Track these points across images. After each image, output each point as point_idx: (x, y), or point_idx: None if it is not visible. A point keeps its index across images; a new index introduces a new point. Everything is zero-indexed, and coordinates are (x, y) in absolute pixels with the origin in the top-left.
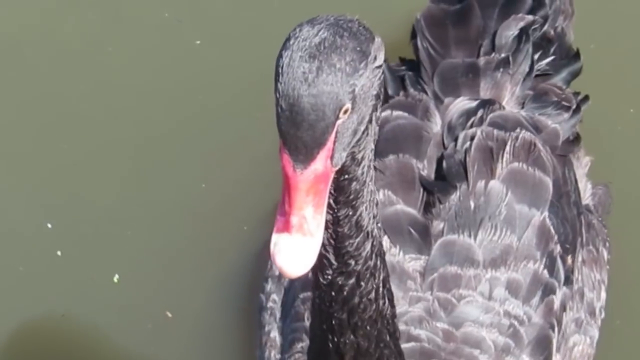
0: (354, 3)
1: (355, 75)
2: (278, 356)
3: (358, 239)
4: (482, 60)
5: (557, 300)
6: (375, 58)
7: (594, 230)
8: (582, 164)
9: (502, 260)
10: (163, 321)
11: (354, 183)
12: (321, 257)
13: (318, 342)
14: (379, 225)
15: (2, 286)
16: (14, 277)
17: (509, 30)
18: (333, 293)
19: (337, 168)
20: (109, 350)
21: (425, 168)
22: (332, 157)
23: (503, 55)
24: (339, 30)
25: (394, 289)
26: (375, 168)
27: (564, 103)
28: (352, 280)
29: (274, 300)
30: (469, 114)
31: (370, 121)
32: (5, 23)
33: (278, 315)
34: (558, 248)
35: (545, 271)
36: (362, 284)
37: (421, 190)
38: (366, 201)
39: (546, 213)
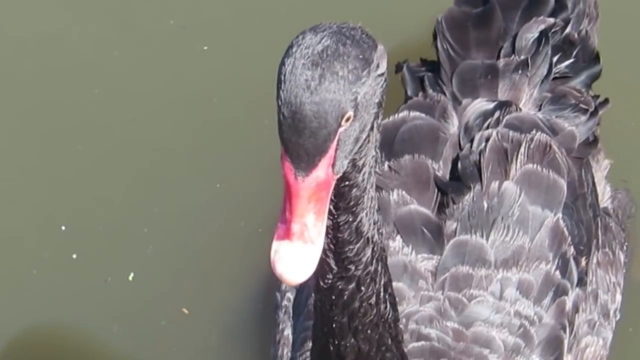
0: (375, 5)
1: (357, 83)
2: (290, 354)
3: (358, 245)
4: (501, 62)
5: (569, 301)
6: (377, 66)
7: (610, 233)
8: (601, 167)
9: (514, 261)
10: (179, 318)
11: (355, 189)
12: (322, 262)
13: (319, 344)
14: (380, 231)
15: (17, 289)
16: (28, 279)
17: (530, 33)
18: (333, 297)
19: (338, 175)
20: (123, 348)
21: (441, 169)
22: (333, 165)
23: (522, 57)
24: (342, 38)
25: (405, 288)
26: (390, 168)
27: (582, 106)
28: (352, 285)
29: (289, 298)
30: (486, 115)
31: (372, 129)
32: (18, 28)
33: (292, 313)
34: (572, 250)
35: (558, 272)
36: (363, 288)
37: (435, 190)
38: (367, 207)
39: (560, 215)
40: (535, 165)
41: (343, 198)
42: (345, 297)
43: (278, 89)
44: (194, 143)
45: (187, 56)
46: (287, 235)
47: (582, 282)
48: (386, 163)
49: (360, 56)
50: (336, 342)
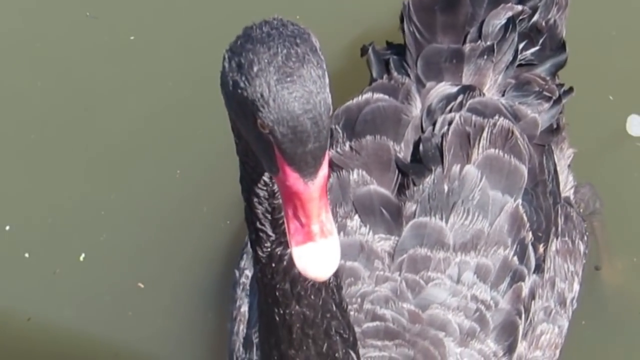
0: None
1: (325, 74)
2: (246, 330)
3: None
4: (467, 47)
5: (525, 287)
6: (319, 49)
7: (571, 222)
8: (564, 156)
9: (473, 245)
10: (135, 292)
11: None
12: (258, 231)
13: (266, 316)
14: None
15: None
16: None
17: (497, 19)
18: (273, 264)
19: None
20: (81, 330)
21: (402, 150)
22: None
23: (488, 43)
24: (290, 40)
25: (360, 267)
26: (351, 148)
27: (545, 93)
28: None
29: (247, 276)
30: (449, 99)
31: None
32: None
33: (249, 290)
34: (530, 236)
35: (515, 258)
36: None
37: (396, 172)
38: None
39: (519, 200)
40: (497, 151)
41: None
42: (285, 262)
43: (260, 112)
44: (153, 132)
45: (140, 39)
46: (308, 238)
47: (539, 269)
48: (347, 143)
49: (312, 49)
50: (281, 311)
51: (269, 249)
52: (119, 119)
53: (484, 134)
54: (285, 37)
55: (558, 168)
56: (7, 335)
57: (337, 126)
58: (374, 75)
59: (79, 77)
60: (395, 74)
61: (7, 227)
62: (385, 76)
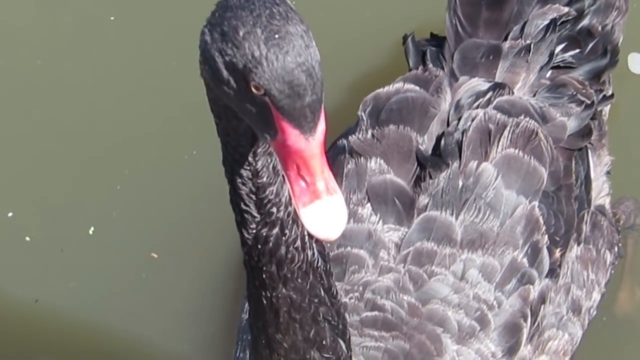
0: None
1: (308, 29)
2: None
3: (277, 185)
4: (506, 45)
5: (534, 290)
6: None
7: (599, 230)
8: (601, 163)
9: (481, 243)
10: (148, 263)
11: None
12: (243, 212)
13: (254, 300)
14: None
15: None
16: None
17: (540, 19)
18: (259, 246)
19: None
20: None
21: (425, 143)
22: None
23: (527, 42)
24: (269, 1)
25: (365, 255)
26: (373, 136)
27: (580, 97)
28: (276, 230)
29: None
30: (478, 95)
31: None
32: None
33: None
34: (545, 239)
35: (525, 260)
36: (287, 232)
37: (415, 163)
38: None
39: (536, 203)
40: (516, 151)
41: (260, 143)
42: (271, 243)
43: (253, 73)
44: (164, 105)
45: (149, 19)
46: (315, 196)
47: (553, 274)
48: (370, 131)
49: (291, 8)
50: (268, 294)
51: (254, 231)
52: (129, 95)
53: (505, 133)
54: (259, 1)
55: (593, 175)
56: (16, 316)
57: (363, 113)
58: (410, 65)
59: (84, 53)
60: (430, 65)
61: (10, 214)
62: (420, 67)
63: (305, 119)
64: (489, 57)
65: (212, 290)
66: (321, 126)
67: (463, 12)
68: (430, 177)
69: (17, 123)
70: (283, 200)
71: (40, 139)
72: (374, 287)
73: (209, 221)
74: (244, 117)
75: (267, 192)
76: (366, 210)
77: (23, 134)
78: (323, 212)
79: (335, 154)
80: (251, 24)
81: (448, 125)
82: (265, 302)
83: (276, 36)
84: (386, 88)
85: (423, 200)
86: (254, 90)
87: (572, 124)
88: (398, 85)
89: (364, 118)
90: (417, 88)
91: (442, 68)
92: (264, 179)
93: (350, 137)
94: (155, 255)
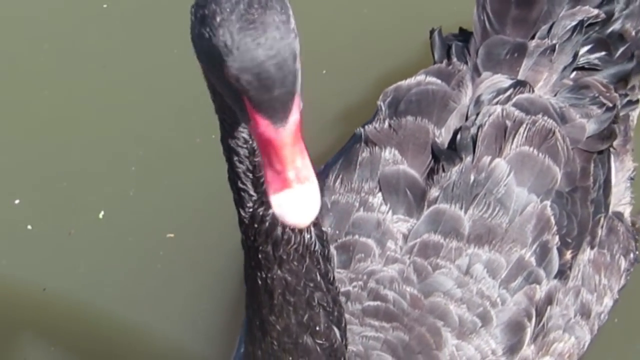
0: None
1: (290, 19)
2: None
3: None
4: (532, 43)
5: (540, 290)
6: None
7: (615, 235)
8: (624, 168)
9: (488, 239)
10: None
11: None
12: (240, 191)
13: (250, 281)
14: None
15: None
16: None
17: (569, 20)
18: (256, 225)
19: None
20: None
21: (442, 136)
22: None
23: (553, 42)
24: None
25: (373, 245)
26: (390, 126)
27: (603, 100)
28: (272, 210)
29: None
30: (499, 91)
31: None
32: None
33: None
34: (556, 239)
35: (533, 259)
36: None
37: (430, 156)
38: None
39: (548, 202)
40: (531, 148)
41: None
42: (267, 223)
43: (225, 61)
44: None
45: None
46: (284, 185)
47: (562, 275)
48: (387, 121)
49: None
50: (263, 275)
51: (251, 209)
52: (144, 74)
53: (521, 130)
54: None
55: (614, 180)
56: (25, 303)
57: (382, 103)
58: (435, 58)
59: (96, 32)
60: (454, 59)
61: (17, 201)
62: (445, 61)
63: (274, 110)
64: (514, 55)
65: (226, 276)
66: (293, 117)
67: (492, 9)
68: (444, 170)
69: (30, 104)
70: None
71: (51, 120)
72: (378, 276)
73: (224, 205)
74: (226, 100)
75: (263, 172)
76: (377, 199)
77: (34, 114)
78: (292, 200)
79: (352, 143)
80: (228, 11)
81: (467, 119)
82: (260, 282)
83: (250, 26)
84: (408, 80)
85: (434, 192)
86: (227, 77)
87: (591, 126)
88: (420, 77)
89: (383, 108)
90: (439, 81)
91: (466, 62)
92: (260, 158)
93: (367, 126)
94: (172, 235)
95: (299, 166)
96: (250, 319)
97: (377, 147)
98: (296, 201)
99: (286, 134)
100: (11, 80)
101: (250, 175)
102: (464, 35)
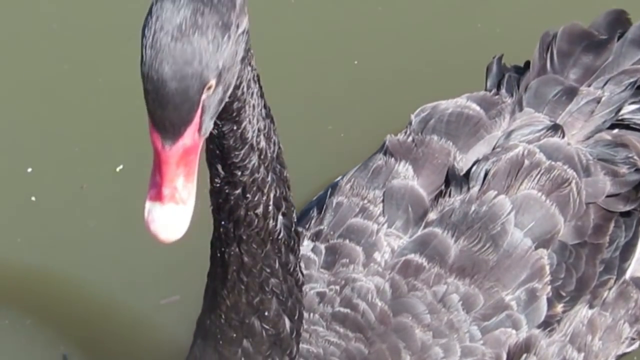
0: None
1: (218, 52)
2: None
3: (243, 151)
4: (584, 90)
5: (516, 336)
6: (237, 26)
7: (624, 301)
8: None
9: (471, 272)
10: None
11: (235, 103)
12: (210, 166)
13: (213, 249)
14: (275, 140)
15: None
16: None
17: (628, 76)
18: (220, 200)
19: (205, 137)
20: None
21: (463, 161)
22: (199, 129)
23: (602, 94)
24: (200, 6)
25: (360, 252)
26: (413, 140)
27: (636, 161)
28: (238, 191)
29: None
30: (532, 130)
31: (243, 66)
32: None
33: None
34: (548, 289)
35: (514, 303)
36: (249, 196)
37: (444, 178)
38: (249, 115)
39: (547, 251)
40: (539, 193)
41: (225, 110)
42: (232, 202)
43: (141, 60)
44: None
45: None
46: (158, 197)
47: (548, 326)
48: (412, 135)
49: (219, 22)
50: (223, 249)
51: (218, 185)
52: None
53: (535, 173)
54: (198, 1)
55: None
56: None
57: (415, 117)
58: (488, 85)
59: (102, 11)
60: (503, 90)
61: (29, 169)
62: (494, 90)
63: (163, 128)
64: (562, 97)
65: None
66: (183, 141)
67: (559, 48)
68: (449, 195)
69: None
70: (249, 166)
71: (69, 85)
72: (356, 285)
73: None
74: None
75: (232, 155)
76: (377, 209)
77: (52, 78)
78: (160, 214)
79: (377, 151)
80: (162, 20)
81: (492, 150)
82: (218, 255)
83: (170, 42)
84: (449, 100)
85: (433, 215)
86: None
87: (614, 186)
88: (461, 100)
89: (413, 122)
90: (478, 108)
91: (512, 95)
92: (230, 142)
93: (390, 136)
94: None
95: (177, 187)
96: (207, 287)
97: (393, 159)
98: (163, 216)
99: (171, 154)
100: (27, 45)
101: (219, 154)
102: (523, 69)
